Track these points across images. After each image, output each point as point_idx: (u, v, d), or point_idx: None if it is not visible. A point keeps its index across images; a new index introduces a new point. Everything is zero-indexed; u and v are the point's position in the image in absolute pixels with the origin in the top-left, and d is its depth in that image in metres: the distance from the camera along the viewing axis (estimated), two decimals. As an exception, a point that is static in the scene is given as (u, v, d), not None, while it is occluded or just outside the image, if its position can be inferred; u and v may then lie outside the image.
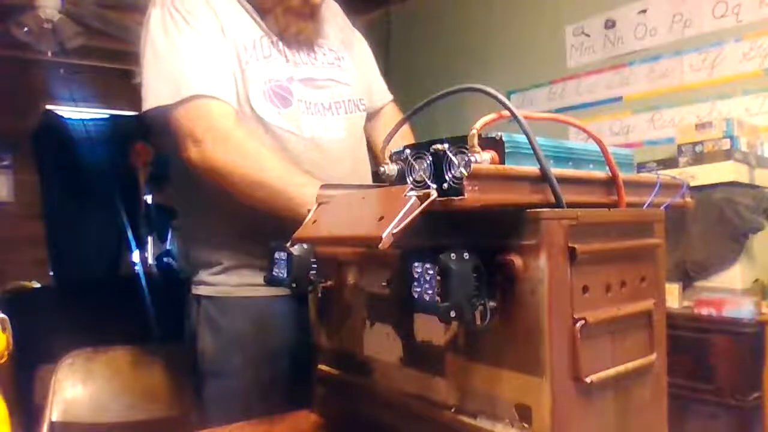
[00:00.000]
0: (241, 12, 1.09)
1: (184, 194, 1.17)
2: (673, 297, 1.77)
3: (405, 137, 1.15)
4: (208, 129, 0.99)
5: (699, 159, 1.90)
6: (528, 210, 0.54)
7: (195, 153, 0.99)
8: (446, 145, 0.55)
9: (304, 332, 1.07)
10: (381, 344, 0.71)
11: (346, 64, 1.21)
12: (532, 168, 0.56)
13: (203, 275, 1.12)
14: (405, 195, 0.53)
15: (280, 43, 1.10)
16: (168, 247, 4.37)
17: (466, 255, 0.52)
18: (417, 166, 0.57)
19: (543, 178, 0.56)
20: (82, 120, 4.13)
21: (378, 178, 0.77)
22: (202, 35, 1.03)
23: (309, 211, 0.74)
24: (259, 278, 1.08)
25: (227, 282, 1.10)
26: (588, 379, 0.55)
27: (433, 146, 0.56)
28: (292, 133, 1.08)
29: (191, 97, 0.99)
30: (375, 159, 1.25)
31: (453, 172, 0.54)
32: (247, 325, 1.08)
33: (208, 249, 1.11)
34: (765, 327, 1.66)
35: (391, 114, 1.35)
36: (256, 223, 1.00)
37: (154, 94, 1.02)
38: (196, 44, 1.02)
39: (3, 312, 0.92)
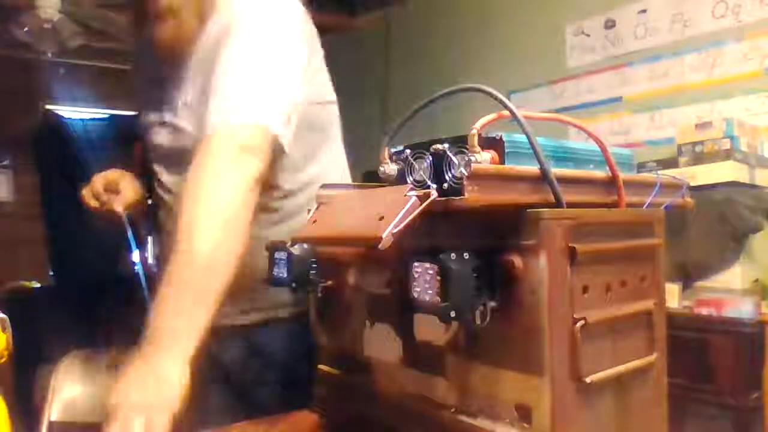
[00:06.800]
0: None
1: None
2: (673, 297, 1.77)
3: None
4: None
5: (699, 159, 1.90)
6: (528, 210, 0.54)
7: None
8: (446, 145, 0.55)
9: None
10: (381, 344, 0.71)
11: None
12: (532, 168, 0.56)
13: None
14: (405, 195, 0.53)
15: None
16: (168, 248, 4.36)
17: (466, 255, 0.52)
18: (417, 166, 0.57)
19: (543, 178, 0.56)
20: (82, 120, 4.12)
21: None
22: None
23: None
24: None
25: None
26: (588, 379, 0.55)
27: (433, 146, 0.56)
28: None
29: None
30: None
31: (453, 172, 0.54)
32: None
33: None
34: (765, 327, 1.66)
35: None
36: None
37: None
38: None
39: (3, 312, 0.91)
